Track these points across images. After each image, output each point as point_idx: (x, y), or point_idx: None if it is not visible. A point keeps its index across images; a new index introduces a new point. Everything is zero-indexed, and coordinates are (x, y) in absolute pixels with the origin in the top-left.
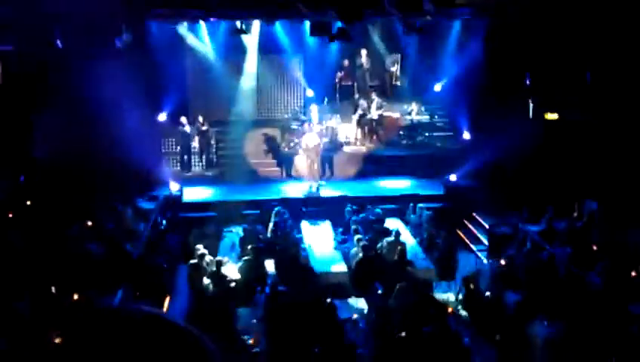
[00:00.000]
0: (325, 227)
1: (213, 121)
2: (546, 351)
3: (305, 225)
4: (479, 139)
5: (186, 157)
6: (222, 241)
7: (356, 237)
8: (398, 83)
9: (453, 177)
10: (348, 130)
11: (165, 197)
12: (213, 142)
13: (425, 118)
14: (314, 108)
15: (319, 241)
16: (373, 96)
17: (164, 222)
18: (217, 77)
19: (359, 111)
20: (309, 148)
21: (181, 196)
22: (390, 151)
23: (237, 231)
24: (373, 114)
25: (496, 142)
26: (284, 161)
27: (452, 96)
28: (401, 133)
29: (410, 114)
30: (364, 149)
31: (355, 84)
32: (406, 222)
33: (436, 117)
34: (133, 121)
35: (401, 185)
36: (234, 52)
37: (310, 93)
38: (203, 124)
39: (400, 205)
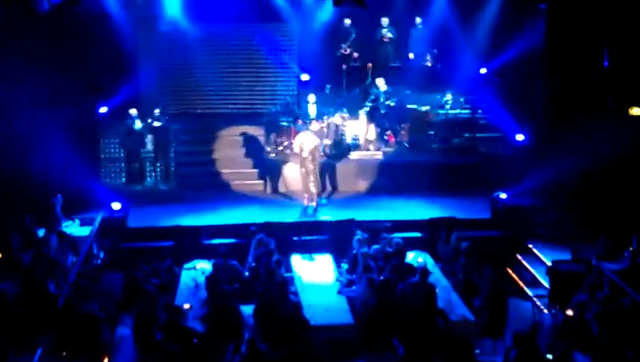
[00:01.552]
0: (325, 262)
1: (174, 114)
2: None
3: (297, 259)
4: (539, 143)
5: (134, 165)
6: (181, 281)
7: (367, 276)
8: (428, 64)
9: (502, 195)
10: (358, 129)
11: (103, 220)
12: (172, 144)
13: (464, 112)
14: (311, 99)
15: (316, 282)
16: (380, 84)
17: (101, 254)
18: (182, 54)
19: (371, 103)
20: (303, 153)
21: (125, 219)
22: (415, 157)
23: (202, 268)
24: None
25: (563, 148)
26: (270, 172)
27: (501, 86)
28: (430, 133)
29: (444, 107)
30: (379, 155)
31: (370, 66)
32: (437, 257)
33: (480, 112)
34: (62, 116)
35: (430, 206)
36: (207, 19)
37: (305, 77)
38: (159, 119)
39: (428, 233)
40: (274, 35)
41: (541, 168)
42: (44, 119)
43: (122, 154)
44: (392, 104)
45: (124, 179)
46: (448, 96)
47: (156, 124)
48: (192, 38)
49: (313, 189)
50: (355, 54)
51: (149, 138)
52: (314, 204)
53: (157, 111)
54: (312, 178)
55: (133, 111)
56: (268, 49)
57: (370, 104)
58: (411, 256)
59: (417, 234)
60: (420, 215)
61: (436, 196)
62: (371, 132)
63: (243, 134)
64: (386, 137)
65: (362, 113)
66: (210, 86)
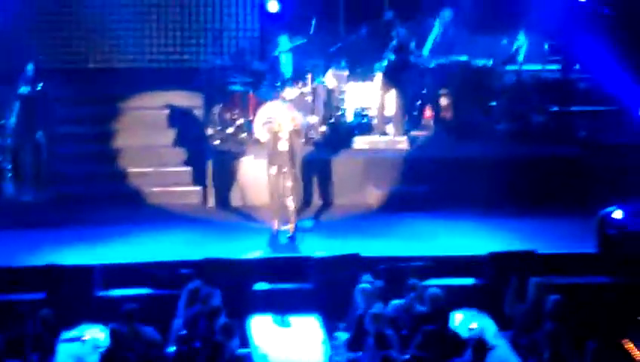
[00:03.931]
0: (309, 330)
1: (47, 71)
2: None
3: (259, 324)
4: None
5: None
6: (56, 360)
7: (383, 355)
8: None
9: (617, 213)
10: (367, 99)
11: None
12: (46, 123)
13: (550, 69)
14: (284, 45)
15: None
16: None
17: None
18: None
19: (392, 54)
20: (274, 139)
21: None
22: (467, 148)
23: (93, 338)
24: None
25: None
26: (214, 172)
27: (614, 22)
28: (492, 104)
29: (515, 60)
30: (404, 144)
31: None
32: (504, 321)
33: (577, 68)
34: None
35: (491, 232)
36: None
37: (274, 6)
38: (30, 80)
39: (489, 279)
40: None
41: None
42: None
43: None
44: (427, 54)
45: None
46: (522, 41)
47: (24, 89)
48: None
49: (290, 203)
50: None
51: (11, 112)
52: (290, 228)
53: (28, 67)
54: (287, 183)
55: None
56: None
57: (390, 56)
58: (459, 320)
59: (470, 282)
60: (475, 247)
61: (502, 215)
62: (391, 103)
63: (167, 106)
64: (416, 112)
65: (376, 72)
66: (110, 25)
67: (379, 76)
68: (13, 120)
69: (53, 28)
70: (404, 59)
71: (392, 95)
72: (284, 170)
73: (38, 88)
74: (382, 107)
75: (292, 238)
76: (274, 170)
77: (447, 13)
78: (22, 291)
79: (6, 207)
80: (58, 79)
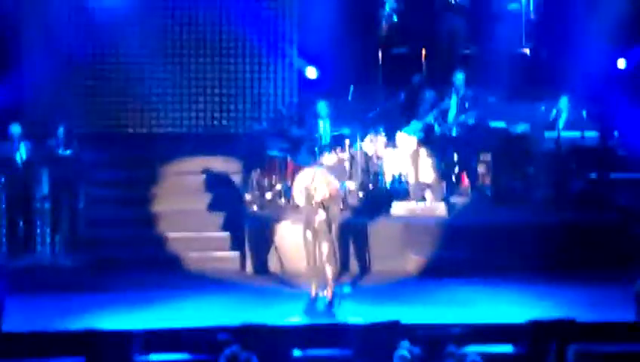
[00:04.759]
0: None
1: (85, 135)
2: None
3: None
4: None
5: (16, 221)
6: None
7: None
8: (526, 51)
9: None
10: (405, 164)
11: None
12: (83, 187)
13: (589, 136)
14: (322, 111)
15: None
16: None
17: None
18: (100, 35)
19: (428, 117)
20: (312, 205)
21: None
22: (505, 215)
23: None
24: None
25: None
26: (252, 237)
27: None
28: (531, 171)
29: (554, 126)
30: (442, 210)
31: (424, 53)
32: None
33: (616, 135)
34: None
35: (530, 299)
36: None
37: (312, 73)
38: (63, 143)
39: (528, 347)
40: (259, 3)
41: None
42: None
43: None
44: (472, 121)
45: None
46: (561, 107)
47: (63, 151)
48: (119, 8)
49: (328, 268)
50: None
51: (44, 177)
52: (328, 294)
53: (59, 130)
54: (324, 248)
55: (14, 130)
56: (249, 27)
57: (430, 120)
58: None
59: (509, 349)
60: (514, 315)
61: (541, 282)
62: (429, 170)
63: (205, 171)
64: (454, 179)
65: (412, 137)
66: (150, 89)
67: (415, 142)
68: (41, 186)
69: (87, 87)
70: (440, 125)
71: (430, 161)
72: (322, 235)
73: (70, 152)
74: (418, 173)
75: (330, 304)
76: (311, 235)
77: (459, 76)
78: (60, 355)
79: (44, 272)
80: (96, 143)
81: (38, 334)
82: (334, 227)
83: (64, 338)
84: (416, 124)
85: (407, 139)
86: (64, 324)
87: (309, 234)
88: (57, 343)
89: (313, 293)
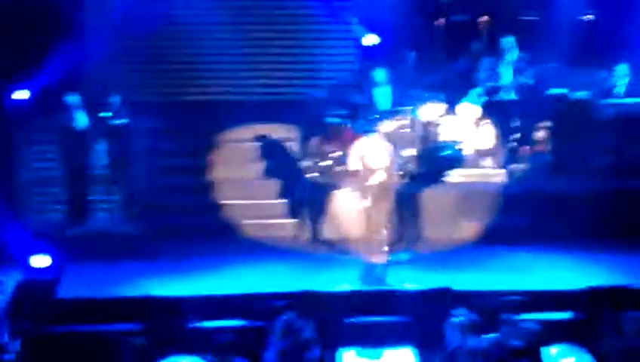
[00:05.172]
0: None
1: (143, 104)
2: None
3: (351, 356)
4: None
5: (74, 190)
6: None
7: None
8: (588, 17)
9: None
10: (464, 131)
11: (19, 287)
12: (140, 155)
13: None
14: (381, 78)
15: None
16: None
17: (15, 344)
18: (156, 5)
19: (490, 85)
20: (369, 173)
21: (55, 284)
22: (566, 182)
23: None
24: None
25: None
26: (309, 204)
27: None
28: (592, 138)
29: (615, 92)
30: (501, 177)
31: (486, 20)
32: (600, 357)
33: None
34: None
35: (590, 266)
36: None
37: (372, 40)
38: (118, 112)
39: (586, 314)
40: None
41: None
42: None
43: (54, 173)
44: (530, 82)
45: (55, 216)
46: (622, 73)
47: (113, 121)
48: None
49: (384, 236)
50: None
51: (101, 145)
52: (385, 260)
53: (114, 99)
54: (382, 216)
55: (73, 100)
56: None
57: (488, 85)
58: (554, 354)
59: (566, 316)
60: (570, 281)
61: (597, 249)
62: (488, 136)
63: (263, 139)
64: (513, 145)
65: (472, 104)
66: (206, 57)
67: (474, 109)
68: (99, 155)
69: (145, 57)
70: (499, 91)
71: (489, 128)
72: (378, 203)
73: (126, 121)
74: (477, 140)
75: (385, 271)
76: (368, 202)
77: (508, 39)
78: (117, 321)
79: (101, 239)
80: (153, 112)
81: (95, 300)
82: (390, 195)
83: (121, 304)
84: (475, 92)
85: (467, 108)
86: (121, 291)
87: (365, 201)
88: (114, 309)
89: (369, 260)
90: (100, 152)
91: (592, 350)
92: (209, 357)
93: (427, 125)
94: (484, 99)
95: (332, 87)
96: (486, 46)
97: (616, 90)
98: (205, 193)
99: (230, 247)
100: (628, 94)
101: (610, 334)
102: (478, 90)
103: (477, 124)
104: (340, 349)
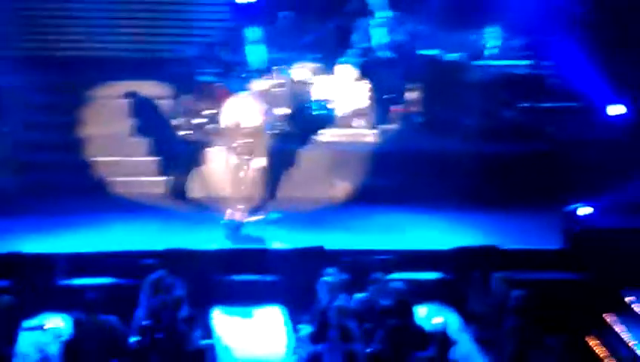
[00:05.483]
0: (272, 321)
1: (13, 59)
2: None
3: (222, 316)
4: None
5: None
6: (17, 352)
7: (345, 349)
8: None
9: (583, 210)
10: (336, 92)
11: None
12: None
13: (521, 64)
14: (254, 36)
15: (256, 357)
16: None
17: None
18: None
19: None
20: (240, 131)
21: None
22: (435, 143)
23: (55, 328)
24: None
25: None
26: (180, 163)
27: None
28: (461, 99)
29: (484, 55)
30: (372, 137)
31: None
32: (467, 316)
33: (548, 65)
34: None
35: (456, 226)
36: None
37: None
38: None
39: (453, 274)
40: None
41: None
42: None
43: None
44: (402, 42)
45: None
46: (492, 36)
47: None
48: None
49: (254, 194)
50: None
51: None
52: (254, 218)
53: None
54: (252, 174)
55: None
56: None
57: (363, 45)
58: (422, 314)
59: (434, 276)
60: (440, 242)
61: (468, 210)
62: (361, 96)
63: (133, 96)
64: (385, 105)
65: (347, 64)
66: (77, 13)
67: (348, 69)
68: None
69: (21, 16)
70: (372, 51)
71: (362, 88)
72: (248, 161)
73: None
74: (350, 100)
75: (254, 226)
76: (237, 160)
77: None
78: None
79: None
80: (23, 67)
81: None
82: (261, 153)
83: None
84: (350, 52)
85: (342, 68)
86: None
87: (233, 159)
88: None
89: (238, 218)
90: None
91: (459, 310)
92: (78, 315)
93: (300, 84)
94: (359, 59)
95: (205, 44)
96: (359, 6)
97: (487, 53)
98: (76, 150)
99: (101, 205)
100: (498, 56)
101: (476, 294)
102: (353, 50)
103: (350, 84)
104: (212, 307)
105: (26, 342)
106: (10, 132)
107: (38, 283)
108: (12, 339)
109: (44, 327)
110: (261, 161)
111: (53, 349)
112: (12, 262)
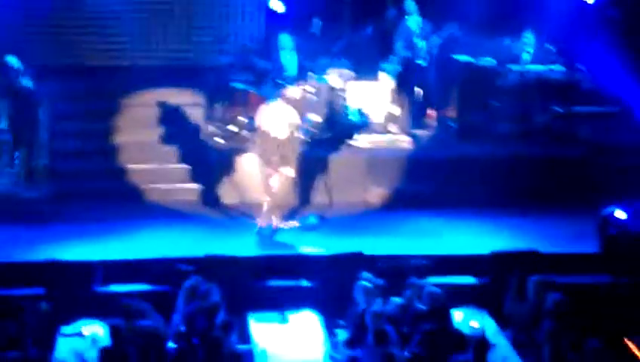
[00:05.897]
0: (308, 327)
1: (45, 67)
2: None
3: (258, 320)
4: None
5: None
6: (55, 357)
7: (382, 352)
8: None
9: (620, 213)
10: (371, 98)
11: None
12: (42, 119)
13: (555, 70)
14: (287, 44)
15: (290, 358)
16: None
17: None
18: None
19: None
20: (273, 137)
21: None
22: (470, 148)
23: (93, 334)
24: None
25: None
26: (214, 170)
27: (621, 26)
28: (496, 105)
29: (519, 60)
30: (407, 144)
31: None
32: (504, 320)
33: (582, 70)
34: None
35: (493, 231)
36: None
37: (278, 5)
38: (20, 75)
39: (490, 278)
40: None
41: None
42: None
43: None
44: (436, 49)
45: None
46: (527, 41)
47: (16, 85)
48: None
49: (287, 201)
50: None
51: (4, 110)
52: (290, 225)
53: (14, 61)
54: (286, 181)
55: None
56: None
57: (396, 52)
58: (459, 318)
59: (470, 280)
60: (476, 246)
61: (504, 214)
62: (395, 103)
63: (167, 104)
64: (420, 111)
65: (380, 70)
66: (112, 22)
67: (382, 76)
68: (6, 114)
69: (54, 25)
70: (407, 59)
71: (396, 95)
72: (282, 168)
73: (30, 84)
74: (384, 107)
75: (286, 235)
76: (272, 167)
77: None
78: (21, 286)
79: (4, 203)
80: (57, 76)
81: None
82: (294, 160)
83: (25, 269)
84: (391, 59)
85: (379, 75)
86: (24, 255)
87: (268, 168)
88: (18, 274)
89: (275, 225)
90: (3, 116)
91: (496, 313)
92: (115, 321)
93: (335, 91)
94: (394, 65)
95: (238, 53)
96: (394, 12)
97: (522, 58)
98: (109, 157)
99: (134, 212)
100: (533, 61)
101: (513, 298)
102: (389, 56)
103: (384, 89)
104: (248, 313)
105: (64, 348)
106: (45, 141)
107: (75, 290)
108: (50, 346)
109: (82, 334)
110: (294, 168)
111: (91, 355)
112: (49, 269)
